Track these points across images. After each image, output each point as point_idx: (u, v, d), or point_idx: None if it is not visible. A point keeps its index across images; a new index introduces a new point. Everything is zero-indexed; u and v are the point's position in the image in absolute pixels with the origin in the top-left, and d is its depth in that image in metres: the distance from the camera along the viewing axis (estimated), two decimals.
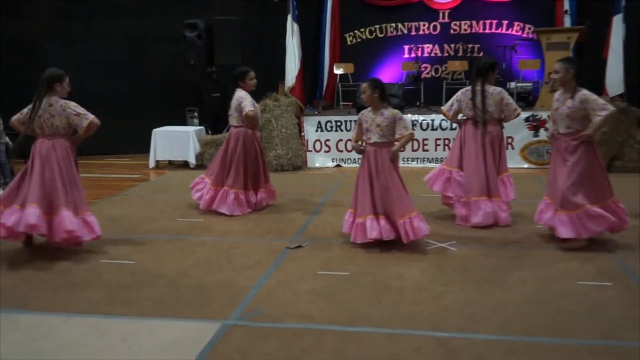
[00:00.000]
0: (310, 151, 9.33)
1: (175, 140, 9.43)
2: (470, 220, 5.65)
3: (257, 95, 9.01)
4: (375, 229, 4.93)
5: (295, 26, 9.65)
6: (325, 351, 3.27)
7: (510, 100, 5.80)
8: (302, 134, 9.28)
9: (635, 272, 4.38)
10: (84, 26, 10.39)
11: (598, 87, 8.86)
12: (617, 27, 8.66)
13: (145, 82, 10.49)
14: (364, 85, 5.00)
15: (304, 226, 5.85)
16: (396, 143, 5.03)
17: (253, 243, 5.31)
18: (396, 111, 5.02)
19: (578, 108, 4.79)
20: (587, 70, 9.49)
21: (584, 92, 4.83)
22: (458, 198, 5.77)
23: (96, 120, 4.96)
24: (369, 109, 5.03)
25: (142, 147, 9.67)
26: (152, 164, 9.45)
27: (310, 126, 9.34)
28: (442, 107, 6.22)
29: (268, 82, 9.53)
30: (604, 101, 4.86)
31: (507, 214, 5.73)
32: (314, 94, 10.82)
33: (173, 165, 9.59)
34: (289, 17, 9.60)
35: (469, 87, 5.83)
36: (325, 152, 9.33)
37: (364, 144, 5.16)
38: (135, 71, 10.57)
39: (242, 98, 6.22)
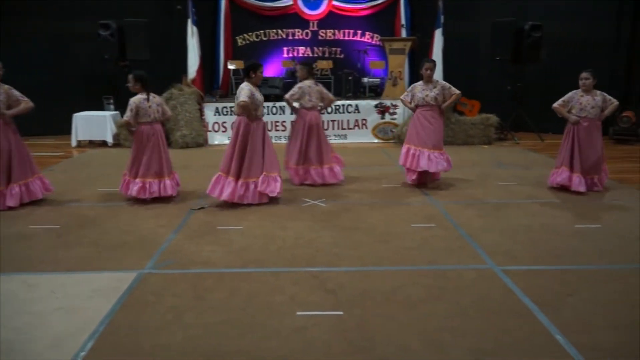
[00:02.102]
0: (210, 131, 8.99)
1: (94, 123, 8.74)
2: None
3: (163, 86, 8.60)
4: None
5: (195, 29, 9.28)
6: (224, 289, 3.22)
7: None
8: (203, 117, 8.94)
9: (452, 217, 4.72)
10: (14, 26, 9.22)
11: None
12: (438, 39, 9.15)
13: (67, 74, 9.56)
14: None
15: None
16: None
17: (164, 206, 5.05)
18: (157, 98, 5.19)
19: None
20: (417, 70, 10.12)
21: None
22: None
23: None
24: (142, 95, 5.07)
25: (65, 129, 8.83)
26: (74, 143, 8.68)
27: (209, 111, 9.00)
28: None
29: (173, 75, 9.06)
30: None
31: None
32: (212, 85, 10.39)
33: (93, 144, 8.86)
34: (189, 21, 9.21)
35: None
36: (222, 132, 9.01)
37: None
38: (58, 64, 9.57)
39: (241, 89, 5.01)
